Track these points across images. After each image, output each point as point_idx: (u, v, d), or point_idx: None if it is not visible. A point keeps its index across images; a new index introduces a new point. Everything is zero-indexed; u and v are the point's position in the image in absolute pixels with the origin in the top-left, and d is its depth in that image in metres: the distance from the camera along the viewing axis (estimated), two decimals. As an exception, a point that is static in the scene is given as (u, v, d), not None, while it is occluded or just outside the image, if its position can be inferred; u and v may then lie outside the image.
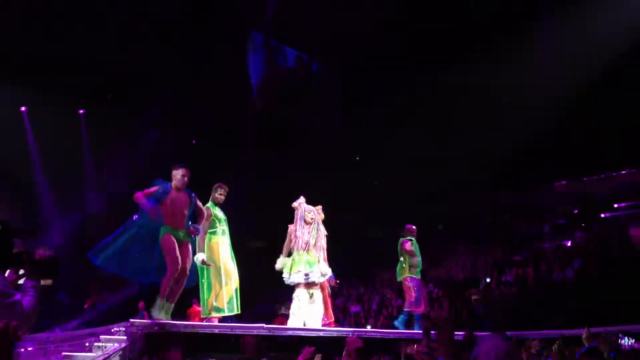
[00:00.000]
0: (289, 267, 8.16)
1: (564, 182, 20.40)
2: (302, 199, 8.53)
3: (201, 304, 7.91)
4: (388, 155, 20.47)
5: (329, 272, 8.36)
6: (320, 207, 8.64)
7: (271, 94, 21.31)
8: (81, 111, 16.81)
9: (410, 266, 10.01)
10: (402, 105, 19.89)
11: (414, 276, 10.01)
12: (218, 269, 7.75)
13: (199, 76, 17.94)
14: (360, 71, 20.81)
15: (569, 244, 16.17)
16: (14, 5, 14.46)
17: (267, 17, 19.37)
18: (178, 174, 7.07)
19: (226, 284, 7.66)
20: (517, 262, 16.02)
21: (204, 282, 7.71)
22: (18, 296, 2.68)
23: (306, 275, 8.02)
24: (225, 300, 7.67)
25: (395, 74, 20.05)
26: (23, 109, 15.95)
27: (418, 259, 10.08)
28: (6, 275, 2.75)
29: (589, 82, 17.34)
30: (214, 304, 7.67)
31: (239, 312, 7.87)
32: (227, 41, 19.01)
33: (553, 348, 5.31)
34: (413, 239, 10.13)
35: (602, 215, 17.90)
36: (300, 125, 21.07)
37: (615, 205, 18.33)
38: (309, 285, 8.08)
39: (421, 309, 9.95)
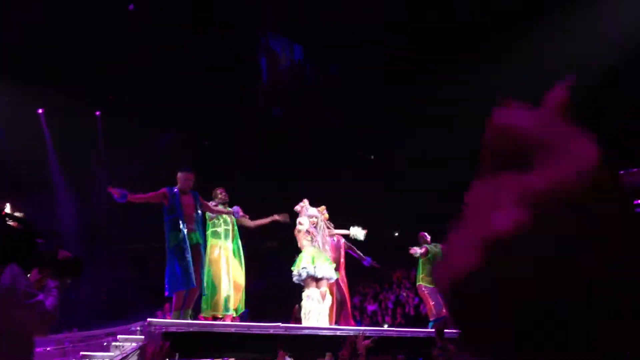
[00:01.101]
0: (297, 264, 8.12)
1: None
2: (304, 202, 8.49)
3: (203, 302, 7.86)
4: (402, 154, 20.40)
5: (332, 273, 8.21)
6: (323, 207, 8.60)
7: (276, 94, 21.27)
8: (97, 113, 16.79)
9: (425, 274, 9.59)
10: (415, 104, 19.79)
11: (428, 285, 9.59)
12: (216, 271, 7.76)
13: (210, 75, 17.93)
14: (368, 71, 20.73)
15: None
16: (31, 7, 14.52)
17: (270, 16, 19.28)
18: (182, 177, 7.16)
19: (220, 285, 7.66)
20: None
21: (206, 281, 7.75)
22: (41, 296, 2.71)
23: (314, 268, 7.97)
24: (221, 302, 7.67)
25: (406, 73, 19.95)
26: (40, 110, 15.95)
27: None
28: (30, 275, 2.78)
29: (589, 82, 17.18)
30: (210, 303, 7.70)
31: (233, 313, 7.86)
32: (234, 41, 18.98)
33: None
34: (429, 245, 9.72)
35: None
36: (313, 125, 21.05)
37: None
38: (319, 283, 8.03)
39: (444, 313, 9.59)
